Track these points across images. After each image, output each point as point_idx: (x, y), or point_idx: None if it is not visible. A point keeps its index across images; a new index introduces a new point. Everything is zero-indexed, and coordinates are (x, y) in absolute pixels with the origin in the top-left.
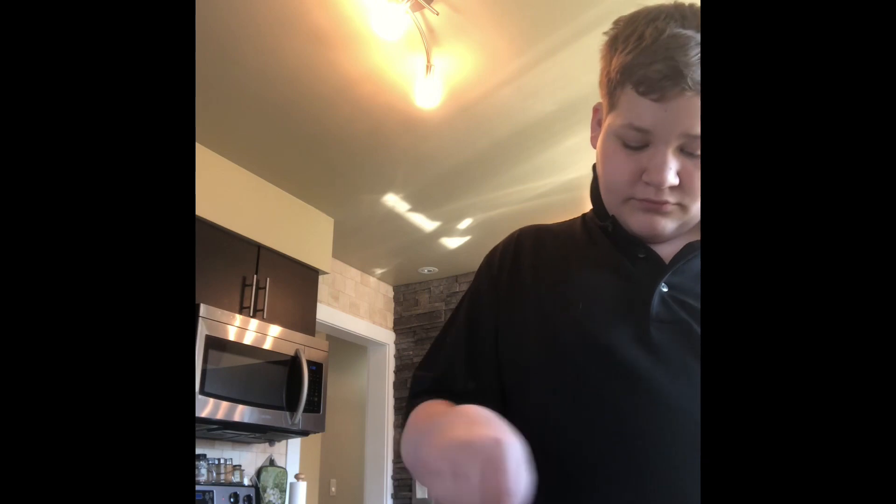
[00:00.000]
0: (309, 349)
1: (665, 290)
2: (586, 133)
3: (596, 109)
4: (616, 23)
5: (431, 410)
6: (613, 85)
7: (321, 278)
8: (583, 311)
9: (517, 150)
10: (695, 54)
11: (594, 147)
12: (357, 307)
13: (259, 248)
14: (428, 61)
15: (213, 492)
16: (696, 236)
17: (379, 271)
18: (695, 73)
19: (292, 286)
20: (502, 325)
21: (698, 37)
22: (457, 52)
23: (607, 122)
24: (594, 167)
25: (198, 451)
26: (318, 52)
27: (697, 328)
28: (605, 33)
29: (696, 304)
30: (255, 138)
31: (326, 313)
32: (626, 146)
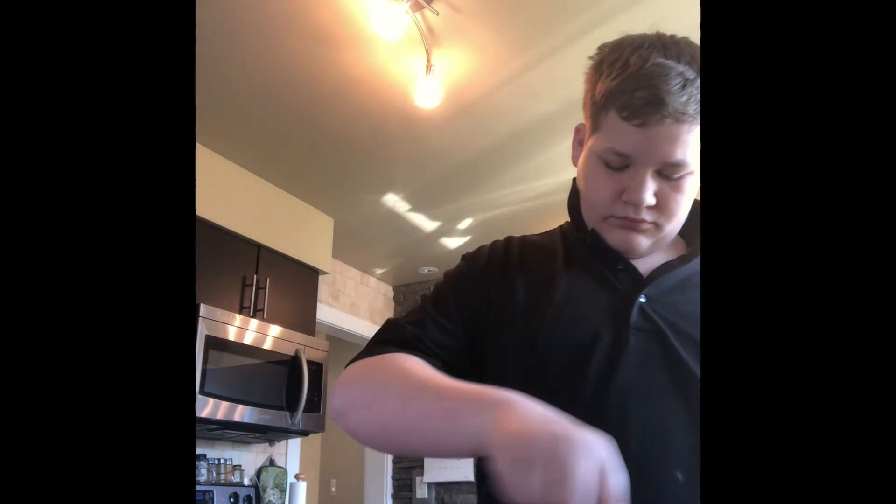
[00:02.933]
0: (309, 349)
1: (643, 300)
2: None
3: (578, 130)
4: (601, 48)
5: (441, 379)
6: (598, 108)
7: (321, 278)
8: (567, 314)
9: (517, 150)
10: (676, 84)
11: (575, 165)
12: (357, 307)
13: (259, 248)
14: (428, 61)
15: (213, 492)
16: (670, 252)
17: (379, 271)
18: (675, 102)
19: (292, 286)
20: (492, 315)
21: (679, 67)
22: (457, 52)
23: (590, 143)
24: (574, 181)
25: (198, 451)
26: (318, 52)
27: (670, 336)
28: (590, 58)
29: (669, 314)
30: (255, 138)
31: (326, 313)
32: (608, 167)
